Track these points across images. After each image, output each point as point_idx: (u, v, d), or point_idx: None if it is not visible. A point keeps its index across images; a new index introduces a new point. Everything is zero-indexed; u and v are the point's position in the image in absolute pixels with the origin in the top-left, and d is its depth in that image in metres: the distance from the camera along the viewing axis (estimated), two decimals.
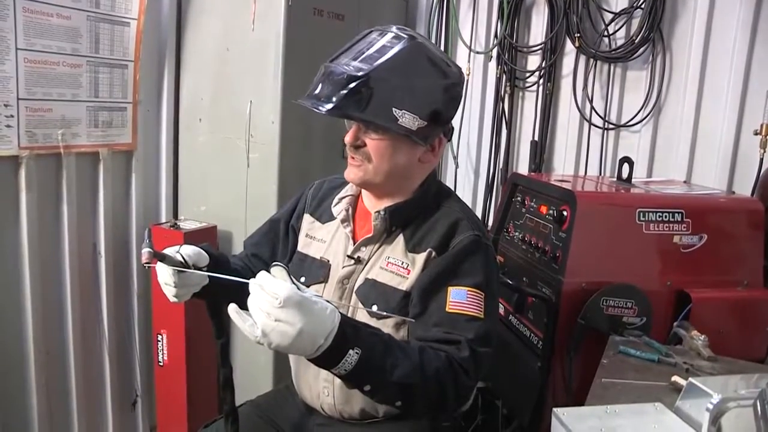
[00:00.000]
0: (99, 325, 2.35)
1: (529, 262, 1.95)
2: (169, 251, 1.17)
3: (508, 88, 2.85)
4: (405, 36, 1.23)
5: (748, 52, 2.26)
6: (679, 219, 1.77)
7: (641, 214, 1.75)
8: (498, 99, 2.88)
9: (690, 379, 1.08)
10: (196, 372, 2.34)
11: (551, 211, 1.90)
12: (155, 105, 2.51)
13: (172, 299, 1.21)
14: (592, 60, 2.62)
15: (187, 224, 2.37)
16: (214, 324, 1.30)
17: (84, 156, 2.19)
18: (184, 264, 1.16)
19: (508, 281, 1.90)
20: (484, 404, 2.05)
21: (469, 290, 1.21)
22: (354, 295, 1.32)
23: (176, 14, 2.43)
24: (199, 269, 1.20)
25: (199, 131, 2.48)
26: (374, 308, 1.27)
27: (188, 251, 1.19)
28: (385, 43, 1.22)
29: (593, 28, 2.59)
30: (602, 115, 2.63)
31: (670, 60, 2.48)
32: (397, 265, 1.29)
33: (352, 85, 1.17)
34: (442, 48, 2.93)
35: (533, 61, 2.82)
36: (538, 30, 2.77)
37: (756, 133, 2.14)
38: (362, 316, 1.29)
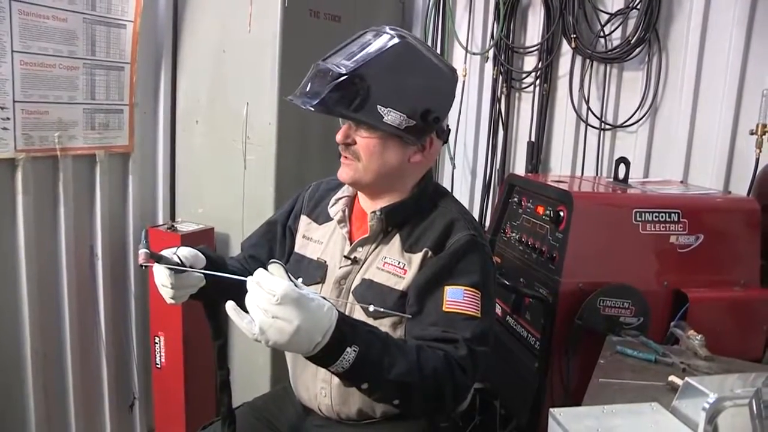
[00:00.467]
0: (96, 327, 2.34)
1: (526, 263, 1.96)
2: (165, 253, 1.17)
3: (504, 89, 2.85)
4: (395, 36, 1.23)
5: (743, 53, 2.26)
6: (676, 219, 1.77)
7: (638, 214, 1.76)
8: (495, 100, 2.88)
9: (686, 378, 1.08)
10: (193, 374, 2.34)
11: (548, 212, 1.90)
12: (152, 107, 2.50)
13: (169, 301, 1.21)
14: (588, 60, 2.62)
15: (185, 226, 2.37)
16: (211, 325, 1.29)
17: (81, 158, 2.19)
18: (181, 265, 1.16)
19: (506, 282, 1.90)
20: (482, 404, 2.05)
21: (465, 289, 1.21)
22: (351, 295, 1.32)
23: (172, 16, 2.43)
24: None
25: (195, 133, 2.48)
26: (371, 308, 1.27)
27: (185, 252, 1.19)
28: (375, 43, 1.23)
29: (589, 28, 2.59)
30: (599, 115, 2.63)
31: (666, 60, 2.48)
32: (394, 265, 1.30)
33: (338, 82, 1.18)
34: (439, 49, 2.93)
35: (530, 62, 2.83)
36: (534, 31, 2.77)
37: (752, 133, 2.14)
38: (359, 314, 1.29)
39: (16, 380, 2.05)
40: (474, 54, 2.92)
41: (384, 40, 1.23)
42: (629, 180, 2.09)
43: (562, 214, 1.81)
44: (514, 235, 2.11)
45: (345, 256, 1.35)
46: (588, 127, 2.67)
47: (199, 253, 1.23)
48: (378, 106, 1.19)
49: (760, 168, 2.12)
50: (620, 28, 2.54)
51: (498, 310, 2.01)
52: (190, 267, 1.18)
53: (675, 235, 1.77)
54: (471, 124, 2.99)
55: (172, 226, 2.35)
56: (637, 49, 2.48)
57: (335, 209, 1.40)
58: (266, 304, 0.93)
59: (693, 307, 1.69)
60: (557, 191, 1.90)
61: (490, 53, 2.87)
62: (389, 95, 1.20)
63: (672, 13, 2.45)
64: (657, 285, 1.76)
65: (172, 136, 2.54)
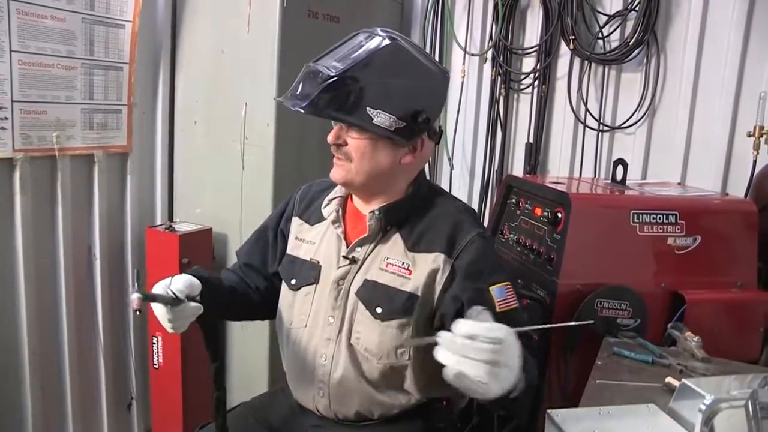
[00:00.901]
0: (94, 328, 2.34)
1: (523, 264, 1.96)
2: (158, 289, 1.17)
3: (503, 90, 2.85)
4: (387, 38, 1.24)
5: (741, 55, 2.27)
6: (674, 220, 1.78)
7: (635, 215, 1.76)
8: (493, 101, 2.88)
9: (683, 380, 1.09)
10: (191, 374, 2.34)
11: (546, 213, 1.90)
12: (150, 107, 2.50)
13: (171, 331, 1.21)
14: (586, 62, 2.62)
15: (183, 227, 2.37)
16: (209, 349, 1.30)
17: (79, 158, 2.19)
18: (176, 300, 1.16)
19: None
20: (480, 405, 2.05)
21: (504, 285, 1.26)
22: (354, 296, 1.32)
23: (171, 16, 2.42)
24: (193, 299, 1.20)
25: (194, 133, 2.48)
26: (378, 310, 1.28)
27: (179, 286, 1.18)
28: (366, 45, 1.23)
29: (588, 30, 2.60)
30: (597, 117, 2.63)
31: (664, 62, 2.49)
32: (398, 266, 1.30)
33: (327, 83, 1.18)
34: (438, 50, 2.93)
35: (528, 63, 2.82)
36: (532, 32, 2.77)
37: (749, 135, 2.14)
38: (366, 319, 1.29)
39: (14, 380, 2.05)
40: (473, 55, 2.92)
41: (375, 42, 1.23)
42: (627, 181, 2.09)
43: (559, 215, 1.81)
44: (511, 236, 2.11)
45: (344, 256, 1.35)
46: (586, 128, 2.67)
47: (194, 280, 1.21)
48: (368, 107, 1.20)
49: (757, 170, 2.12)
50: (619, 29, 2.54)
51: None
52: (187, 297, 1.18)
53: (672, 237, 1.78)
54: (469, 125, 2.99)
55: (171, 226, 2.35)
56: (636, 51, 2.48)
57: (329, 209, 1.40)
58: (490, 355, 0.91)
59: (690, 309, 1.70)
60: (555, 192, 1.90)
61: (489, 54, 2.87)
62: (379, 97, 1.21)
63: (670, 15, 2.45)
64: (654, 286, 1.76)
65: (170, 136, 2.53)
